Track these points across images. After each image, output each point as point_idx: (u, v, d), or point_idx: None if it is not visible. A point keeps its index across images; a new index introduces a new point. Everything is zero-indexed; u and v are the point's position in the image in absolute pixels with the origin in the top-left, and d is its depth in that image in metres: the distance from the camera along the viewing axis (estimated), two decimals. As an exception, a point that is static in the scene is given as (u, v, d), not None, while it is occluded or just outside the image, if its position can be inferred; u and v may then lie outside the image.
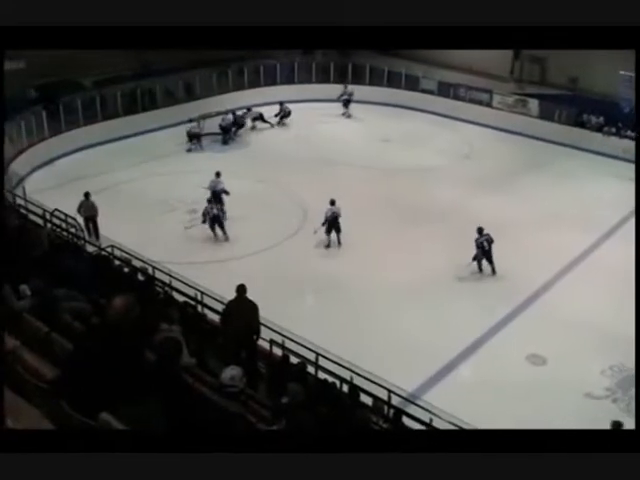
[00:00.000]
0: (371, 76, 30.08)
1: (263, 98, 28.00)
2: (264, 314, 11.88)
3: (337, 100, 28.33)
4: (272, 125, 26.51)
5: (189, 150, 24.16)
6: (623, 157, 24.12)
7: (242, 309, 10.46)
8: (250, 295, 10.66)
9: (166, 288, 12.23)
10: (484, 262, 16.56)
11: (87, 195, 17.61)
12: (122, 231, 16.58)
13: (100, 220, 17.36)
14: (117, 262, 13.22)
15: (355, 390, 9.68)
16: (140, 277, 12.32)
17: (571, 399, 12.69)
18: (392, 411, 9.74)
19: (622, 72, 25.09)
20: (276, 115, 26.95)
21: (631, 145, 24.73)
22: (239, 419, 5.95)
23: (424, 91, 29.88)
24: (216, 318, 11.67)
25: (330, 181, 21.58)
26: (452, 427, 9.36)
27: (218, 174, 19.13)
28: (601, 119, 26.13)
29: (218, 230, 17.88)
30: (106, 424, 3.97)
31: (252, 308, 10.46)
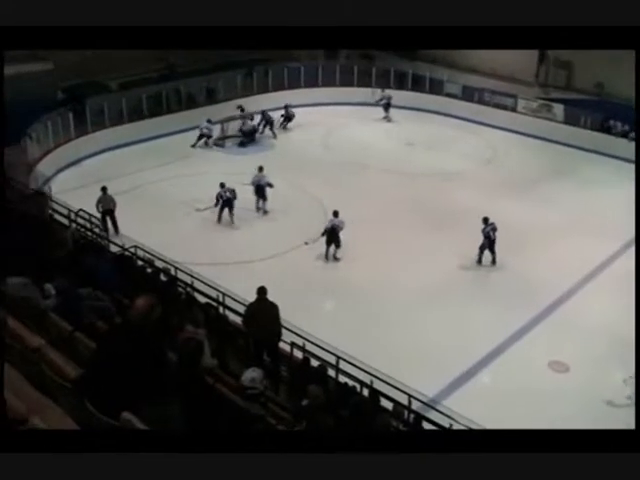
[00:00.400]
0: (395, 79, 30.01)
1: (286, 101, 28.07)
2: (285, 316, 11.93)
3: (376, 104, 28.26)
4: (274, 135, 26.13)
5: (193, 146, 24.48)
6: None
7: (263, 311, 10.51)
8: (270, 297, 10.70)
9: (188, 289, 12.29)
10: (486, 253, 17.02)
11: (104, 189, 18.01)
12: (146, 231, 16.68)
13: (125, 220, 17.52)
14: (140, 262, 13.33)
15: (375, 394, 9.67)
16: (163, 277, 12.41)
17: (593, 407, 12.57)
18: (412, 416, 9.71)
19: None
20: (281, 117, 26.84)
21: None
22: (259, 421, 5.98)
23: (448, 95, 29.76)
24: (237, 320, 11.72)
25: (353, 184, 21.62)
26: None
27: (261, 168, 19.85)
28: (626, 125, 25.87)
29: (226, 214, 18.68)
30: (128, 424, 4.01)
31: (273, 310, 10.50)
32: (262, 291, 10.64)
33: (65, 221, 15.15)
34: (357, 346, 12.82)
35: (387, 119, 28.21)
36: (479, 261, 17.13)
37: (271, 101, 27.38)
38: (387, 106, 28.17)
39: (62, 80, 24.89)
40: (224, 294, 12.69)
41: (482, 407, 11.64)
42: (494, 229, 16.91)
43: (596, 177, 23.50)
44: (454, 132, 27.36)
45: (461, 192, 21.50)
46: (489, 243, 16.93)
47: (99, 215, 17.32)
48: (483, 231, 16.91)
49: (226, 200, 18.73)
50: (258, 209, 19.68)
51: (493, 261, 17.09)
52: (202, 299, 12.09)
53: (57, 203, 16.77)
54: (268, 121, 25.90)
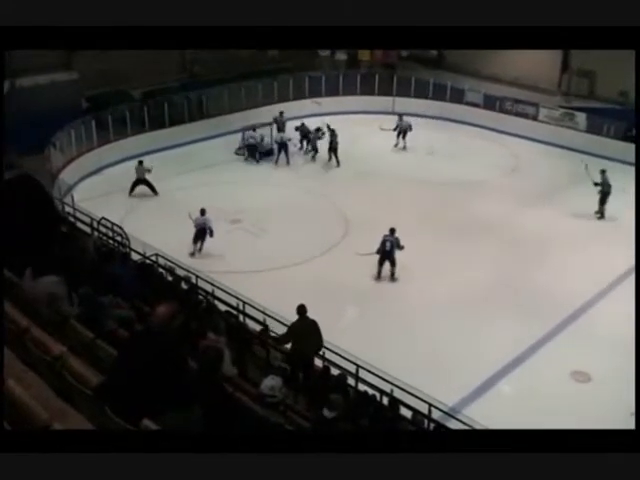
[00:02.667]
0: (416, 88, 29.99)
1: (308, 110, 28.19)
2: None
3: (394, 130, 27.01)
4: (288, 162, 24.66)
5: (238, 153, 24.71)
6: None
7: (306, 328, 10.57)
8: (288, 305, 10.75)
9: (209, 297, 12.35)
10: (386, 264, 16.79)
11: (141, 162, 21.17)
12: (167, 239, 16.79)
13: (146, 228, 17.60)
14: (161, 270, 13.41)
15: (395, 403, 9.65)
16: (184, 285, 12.48)
17: (615, 418, 12.42)
18: (432, 425, 9.66)
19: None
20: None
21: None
22: (278, 429, 5.99)
23: (469, 104, 29.69)
24: (257, 327, 11.77)
25: (374, 193, 21.63)
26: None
27: (203, 211, 17.81)
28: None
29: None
30: (148, 431, 4.03)
31: (315, 326, 10.57)
32: (302, 309, 10.71)
33: (87, 229, 15.28)
34: (378, 354, 12.80)
35: (401, 146, 26.31)
36: (378, 275, 16.81)
37: (294, 109, 27.50)
38: (404, 134, 26.38)
39: (86, 89, 25.20)
40: (245, 302, 12.72)
41: (502, 416, 11.55)
42: (393, 242, 16.57)
43: (619, 186, 23.28)
44: (476, 141, 27.26)
45: (485, 202, 21.42)
46: (384, 253, 16.61)
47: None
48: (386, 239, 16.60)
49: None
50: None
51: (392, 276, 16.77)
52: (223, 307, 12.15)
53: (80, 211, 16.95)
54: (305, 135, 25.34)
